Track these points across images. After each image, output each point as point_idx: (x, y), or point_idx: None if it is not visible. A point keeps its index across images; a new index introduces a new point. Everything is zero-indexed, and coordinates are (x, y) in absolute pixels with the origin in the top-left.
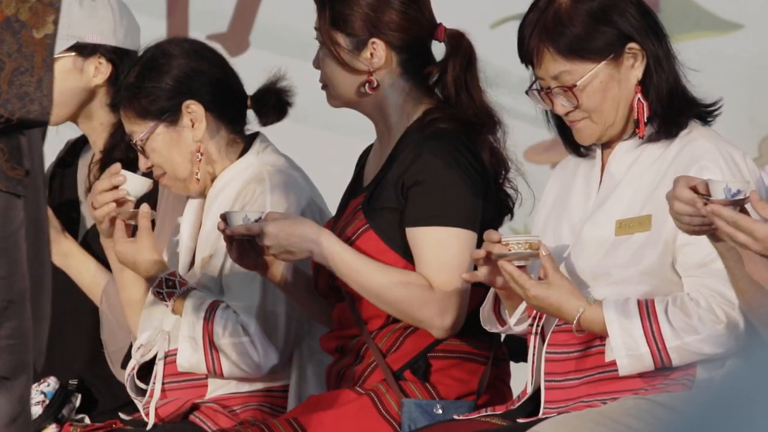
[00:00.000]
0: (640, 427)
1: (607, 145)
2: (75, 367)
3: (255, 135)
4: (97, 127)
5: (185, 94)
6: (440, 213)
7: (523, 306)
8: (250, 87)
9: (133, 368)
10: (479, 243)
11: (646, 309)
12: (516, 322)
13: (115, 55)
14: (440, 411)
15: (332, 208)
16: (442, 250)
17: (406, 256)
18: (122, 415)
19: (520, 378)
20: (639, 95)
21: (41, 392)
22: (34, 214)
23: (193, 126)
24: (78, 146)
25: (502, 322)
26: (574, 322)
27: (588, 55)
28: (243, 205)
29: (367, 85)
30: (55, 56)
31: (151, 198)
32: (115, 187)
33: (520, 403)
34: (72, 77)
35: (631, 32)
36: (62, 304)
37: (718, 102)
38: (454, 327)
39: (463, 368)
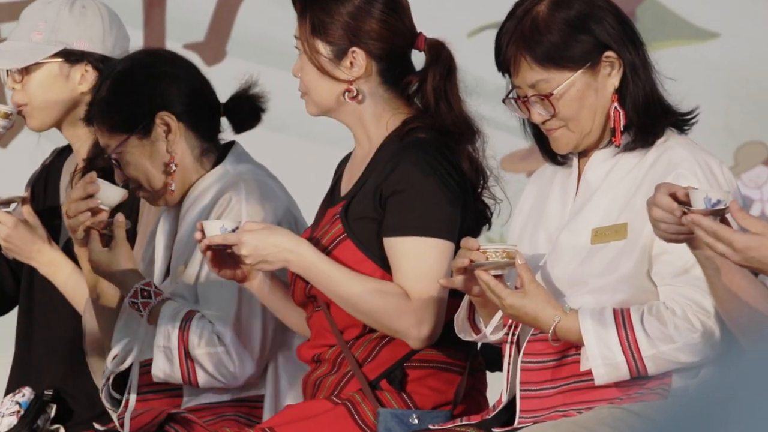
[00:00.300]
0: None
1: (583, 154)
2: (50, 377)
3: (230, 144)
4: (81, 135)
5: (158, 105)
6: (418, 223)
7: (498, 315)
8: (228, 96)
9: (108, 378)
10: (457, 253)
11: (622, 318)
12: (492, 331)
13: (102, 64)
14: (416, 421)
15: (308, 217)
16: (420, 260)
17: (383, 266)
18: (97, 426)
19: (497, 388)
20: (616, 104)
21: (16, 402)
22: None
23: (166, 137)
24: (63, 155)
25: (477, 330)
26: (550, 331)
27: (565, 63)
28: (218, 214)
29: (346, 93)
30: (42, 61)
31: (124, 208)
32: (90, 196)
33: (495, 413)
34: (58, 83)
35: (608, 41)
36: (39, 314)
37: (695, 110)
38: (431, 337)
39: (440, 378)
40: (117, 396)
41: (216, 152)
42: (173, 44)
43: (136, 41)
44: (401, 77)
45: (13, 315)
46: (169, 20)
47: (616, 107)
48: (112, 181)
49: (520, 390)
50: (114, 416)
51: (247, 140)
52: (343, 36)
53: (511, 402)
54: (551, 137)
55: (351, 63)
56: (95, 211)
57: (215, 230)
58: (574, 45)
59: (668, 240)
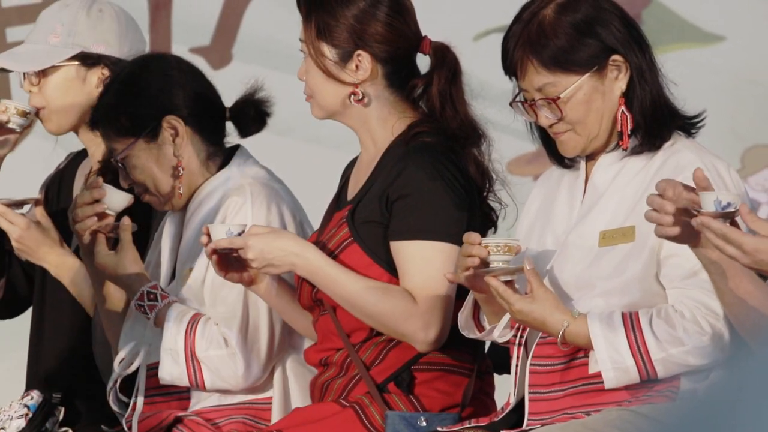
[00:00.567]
0: None
1: (591, 157)
2: (59, 380)
3: (235, 147)
4: (97, 138)
5: (164, 109)
6: (424, 227)
7: (506, 318)
8: (234, 100)
9: (115, 382)
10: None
11: (631, 322)
12: (499, 334)
13: (119, 68)
14: (424, 423)
15: (314, 220)
16: (426, 264)
17: (390, 270)
18: (105, 429)
19: (504, 390)
20: (623, 107)
21: (24, 405)
22: None
23: (173, 141)
24: (77, 159)
25: (481, 328)
26: (559, 336)
27: (572, 67)
28: (224, 217)
29: (352, 96)
30: (59, 64)
31: (131, 212)
32: (96, 201)
33: (503, 415)
34: (75, 86)
35: (615, 44)
36: (50, 317)
37: (702, 114)
38: (437, 341)
39: (447, 380)
40: (124, 399)
41: (221, 156)
42: (179, 48)
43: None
44: (407, 80)
45: (24, 318)
46: (174, 24)
47: (623, 111)
48: (119, 186)
49: (529, 392)
50: (122, 419)
51: (252, 143)
52: (348, 39)
53: (519, 404)
54: (558, 141)
55: (356, 66)
56: (101, 216)
57: (221, 234)
58: (581, 49)
59: (666, 238)
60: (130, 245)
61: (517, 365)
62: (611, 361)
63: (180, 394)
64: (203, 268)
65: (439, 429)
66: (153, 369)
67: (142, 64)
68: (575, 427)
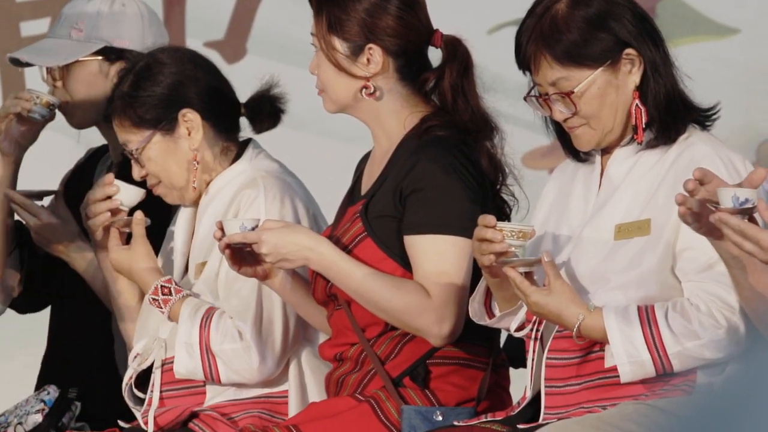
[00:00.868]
0: None
1: (606, 150)
2: (76, 375)
3: (247, 141)
4: None
5: (181, 102)
6: (438, 221)
7: (523, 312)
8: (248, 94)
9: (131, 377)
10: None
11: (646, 315)
12: (516, 327)
13: (135, 59)
14: (440, 418)
15: (327, 215)
16: (440, 258)
17: (404, 264)
18: (121, 423)
19: (520, 384)
20: (637, 101)
21: (41, 400)
22: None
23: (189, 134)
24: (97, 155)
25: (491, 314)
26: (574, 329)
27: (585, 61)
28: (237, 211)
29: (363, 90)
30: (82, 59)
31: (148, 206)
32: (109, 197)
33: (519, 409)
34: (98, 81)
35: (628, 38)
36: (68, 312)
37: (716, 106)
38: (452, 335)
39: (463, 374)
40: (140, 395)
41: (235, 150)
42: (193, 42)
43: None
44: (418, 74)
45: (41, 313)
46: (188, 18)
47: (637, 104)
48: (131, 181)
49: (545, 386)
50: (138, 414)
51: (266, 138)
52: (359, 33)
53: (536, 398)
54: (573, 135)
55: (368, 60)
56: (115, 212)
57: (235, 229)
58: (594, 43)
59: (697, 231)
60: (143, 239)
61: (533, 359)
62: (627, 355)
63: (195, 389)
64: (217, 262)
65: (455, 423)
66: (168, 364)
67: (158, 57)
68: (591, 421)
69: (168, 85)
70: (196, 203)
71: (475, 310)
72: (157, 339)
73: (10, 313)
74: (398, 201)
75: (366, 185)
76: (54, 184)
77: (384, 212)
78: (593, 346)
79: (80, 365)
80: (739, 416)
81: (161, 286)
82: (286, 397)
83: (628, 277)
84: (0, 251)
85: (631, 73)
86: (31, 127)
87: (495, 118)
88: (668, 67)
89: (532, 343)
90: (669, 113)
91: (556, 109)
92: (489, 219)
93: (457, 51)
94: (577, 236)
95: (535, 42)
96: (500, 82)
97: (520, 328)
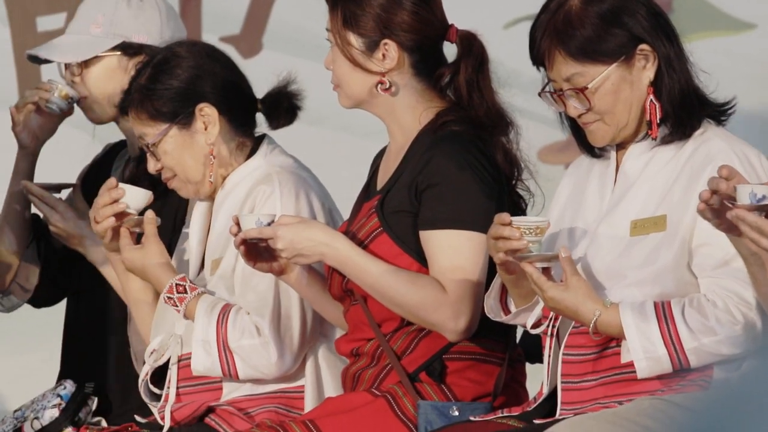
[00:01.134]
0: (656, 428)
1: (621, 146)
2: (93, 370)
3: (262, 137)
4: None
5: (198, 96)
6: (453, 216)
7: (539, 308)
8: (264, 89)
9: (147, 373)
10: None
11: (663, 311)
12: (531, 324)
13: (152, 53)
14: (457, 413)
15: (344, 211)
16: (455, 253)
17: (419, 260)
18: (138, 418)
19: (536, 379)
20: (651, 96)
21: (57, 395)
22: None
23: (206, 129)
24: (114, 150)
25: (507, 311)
26: (591, 325)
27: (599, 57)
28: (252, 206)
29: (379, 85)
30: (101, 54)
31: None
32: (115, 201)
33: (536, 405)
34: (117, 76)
35: (642, 34)
36: (85, 307)
37: (731, 101)
38: (467, 330)
39: (479, 370)
40: (156, 391)
41: (251, 145)
42: (209, 37)
43: None
44: (434, 69)
45: (58, 309)
46: (205, 13)
47: (651, 100)
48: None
49: (561, 382)
50: (154, 410)
51: (282, 133)
52: (374, 28)
53: (552, 393)
54: (587, 130)
55: (383, 55)
56: (122, 216)
57: (251, 224)
58: (608, 39)
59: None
60: (155, 238)
61: (549, 355)
62: (643, 350)
63: (212, 384)
64: (233, 258)
65: (471, 418)
66: (184, 360)
67: (176, 51)
68: (607, 416)
69: (185, 79)
70: (211, 197)
71: (491, 306)
72: (173, 335)
73: (27, 308)
74: (414, 196)
75: (382, 180)
76: (68, 179)
77: (400, 207)
78: (609, 341)
79: (97, 360)
80: (755, 411)
81: (176, 284)
82: (303, 392)
83: (644, 273)
84: (17, 244)
85: (645, 68)
86: (49, 120)
87: (510, 113)
88: (683, 62)
89: (548, 339)
90: (683, 109)
91: (570, 104)
92: (504, 216)
93: (472, 46)
94: (592, 232)
95: (549, 38)
96: (516, 77)
97: (536, 325)
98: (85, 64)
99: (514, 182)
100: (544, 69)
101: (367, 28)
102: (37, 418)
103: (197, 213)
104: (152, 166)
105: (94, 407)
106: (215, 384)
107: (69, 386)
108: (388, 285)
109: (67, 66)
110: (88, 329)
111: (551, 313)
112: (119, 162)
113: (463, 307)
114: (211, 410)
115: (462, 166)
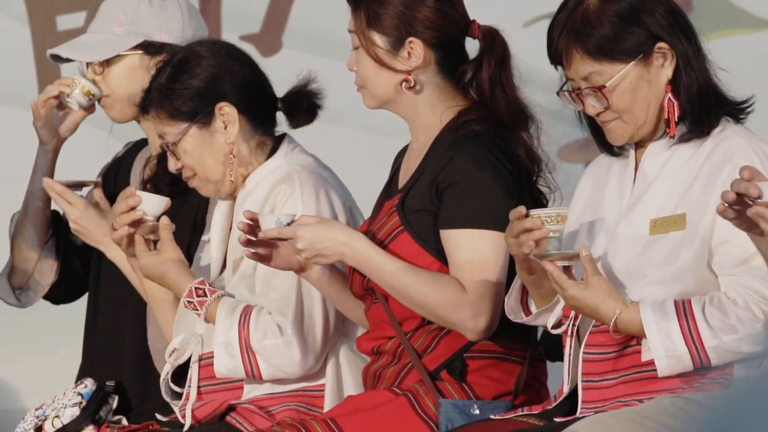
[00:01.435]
0: (677, 426)
1: (640, 144)
2: (113, 368)
3: (282, 136)
4: None
5: (218, 95)
6: (474, 216)
7: (560, 307)
8: (284, 88)
9: (168, 372)
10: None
11: (683, 309)
12: (553, 324)
13: (173, 52)
14: (477, 411)
15: (365, 209)
16: (476, 252)
17: (440, 259)
18: (159, 417)
19: (557, 377)
20: (669, 95)
21: (78, 393)
22: None
23: (225, 128)
24: (136, 149)
25: (528, 311)
26: (611, 323)
27: (617, 55)
28: (273, 206)
29: (404, 84)
30: (123, 53)
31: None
32: (132, 209)
33: (556, 403)
34: (138, 75)
35: (660, 32)
36: (105, 304)
37: (750, 99)
38: (488, 329)
39: (500, 368)
40: (177, 389)
41: (271, 144)
42: (229, 35)
43: None
44: (457, 66)
45: (80, 307)
46: (224, 12)
47: (669, 98)
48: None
49: (582, 381)
50: (175, 408)
51: (302, 132)
52: (398, 26)
53: (573, 392)
54: (606, 129)
55: (408, 53)
56: (138, 222)
57: (270, 224)
58: (626, 37)
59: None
60: (171, 243)
61: (569, 354)
62: (664, 348)
63: (233, 383)
64: None
65: (492, 417)
66: (205, 359)
67: (196, 50)
68: (628, 415)
69: (205, 78)
70: (231, 196)
71: (511, 307)
72: (194, 334)
73: (50, 306)
74: (435, 195)
75: (403, 179)
76: (84, 176)
77: (420, 206)
78: (630, 340)
79: (117, 358)
80: None
81: (195, 288)
82: (323, 390)
83: (664, 272)
84: (37, 240)
85: (663, 67)
86: (71, 118)
87: (531, 108)
88: (701, 60)
89: (568, 338)
90: (702, 107)
91: (588, 103)
92: (520, 209)
93: (495, 41)
94: (612, 231)
95: (566, 36)
96: (536, 75)
97: (557, 325)
98: (107, 63)
99: (534, 178)
100: (562, 68)
101: (391, 27)
102: (57, 416)
103: (218, 213)
104: (172, 165)
105: (114, 406)
106: (236, 383)
107: (90, 385)
108: (407, 284)
109: (89, 65)
110: (108, 327)
111: (572, 313)
112: (140, 160)
113: (483, 307)
114: (231, 408)
115: (482, 165)
